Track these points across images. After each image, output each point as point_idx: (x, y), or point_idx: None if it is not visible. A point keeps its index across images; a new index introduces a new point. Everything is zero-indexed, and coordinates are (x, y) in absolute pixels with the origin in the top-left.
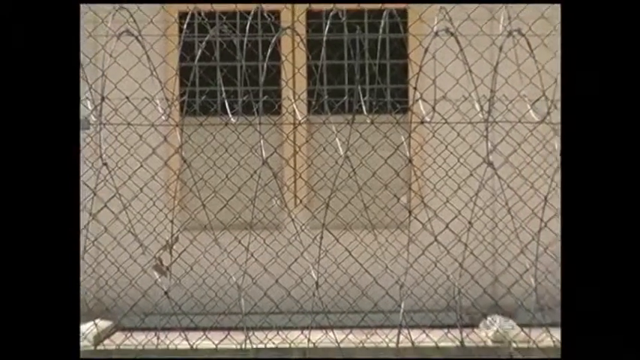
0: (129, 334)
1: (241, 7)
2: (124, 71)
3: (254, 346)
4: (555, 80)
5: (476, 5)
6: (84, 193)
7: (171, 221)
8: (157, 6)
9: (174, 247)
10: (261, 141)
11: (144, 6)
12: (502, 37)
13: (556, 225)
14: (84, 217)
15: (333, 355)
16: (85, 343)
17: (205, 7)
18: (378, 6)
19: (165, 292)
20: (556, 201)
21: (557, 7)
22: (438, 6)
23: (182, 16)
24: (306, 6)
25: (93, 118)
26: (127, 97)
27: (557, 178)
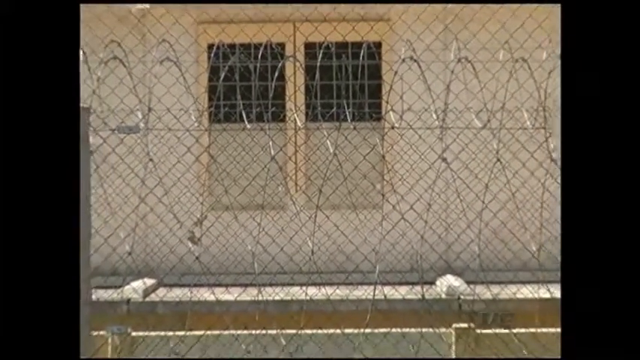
0: (169, 289)
1: (255, 39)
2: (166, 89)
3: (264, 298)
4: (494, 95)
5: (433, 39)
6: (135, 181)
7: (202, 203)
8: (191, 38)
9: (203, 222)
10: (270, 142)
11: (181, 38)
12: (453, 63)
13: (495, 206)
14: (135, 200)
15: (324, 305)
16: (135, 296)
17: (227, 39)
18: (359, 38)
19: (197, 257)
20: (495, 187)
21: (500, 38)
22: (405, 39)
23: (210, 46)
24: (304, 39)
25: (142, 125)
26: (168, 109)
27: (495, 170)
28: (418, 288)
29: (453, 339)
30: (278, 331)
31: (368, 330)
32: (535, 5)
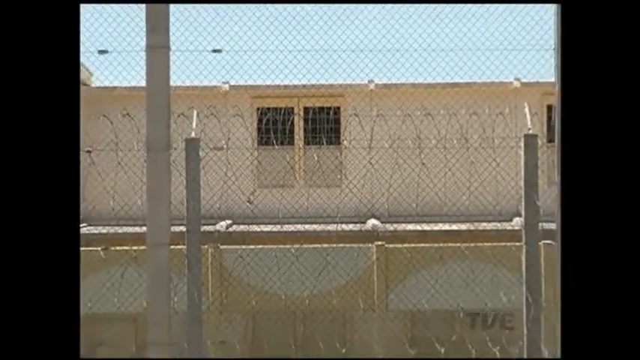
0: (238, 226)
1: (280, 105)
2: (236, 128)
3: (283, 230)
4: (395, 132)
5: (364, 105)
6: (221, 173)
7: (253, 184)
8: (248, 104)
9: (254, 193)
10: (286, 155)
11: (244, 104)
12: (374, 117)
13: (394, 185)
14: (221, 182)
15: (313, 234)
16: (221, 229)
17: (266, 105)
18: (329, 105)
19: (252, 210)
20: (395, 176)
21: (398, 103)
22: (352, 105)
23: (258, 109)
24: (303, 105)
25: (224, 146)
26: (237, 139)
27: (395, 167)
28: (358, 225)
29: (374, 250)
30: (289, 246)
31: (334, 245)
32: (413, 90)
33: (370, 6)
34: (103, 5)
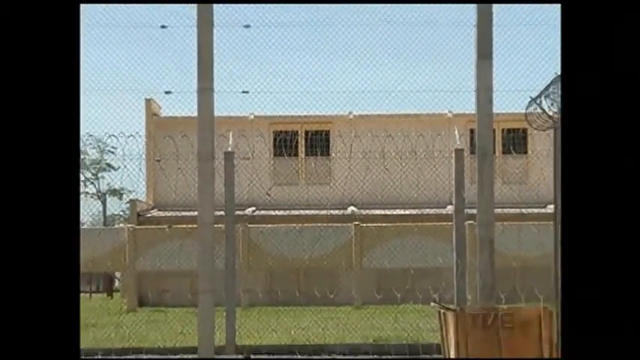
0: (260, 210)
1: (288, 129)
2: (258, 145)
3: (291, 213)
4: (369, 146)
5: (347, 129)
6: (248, 174)
7: (270, 182)
8: (266, 129)
9: (271, 189)
10: (293, 162)
11: (263, 129)
12: (353, 137)
13: (366, 181)
14: (248, 180)
15: (310, 216)
16: (249, 213)
17: (279, 129)
18: (322, 129)
19: (269, 200)
20: (368, 177)
21: (371, 128)
22: (337, 129)
23: (274, 132)
24: (305, 129)
25: (250, 156)
26: (260, 152)
27: (367, 170)
28: (341, 210)
29: (353, 228)
30: (295, 225)
31: (325, 224)
32: (379, 119)
33: (355, 59)
34: (166, 59)
